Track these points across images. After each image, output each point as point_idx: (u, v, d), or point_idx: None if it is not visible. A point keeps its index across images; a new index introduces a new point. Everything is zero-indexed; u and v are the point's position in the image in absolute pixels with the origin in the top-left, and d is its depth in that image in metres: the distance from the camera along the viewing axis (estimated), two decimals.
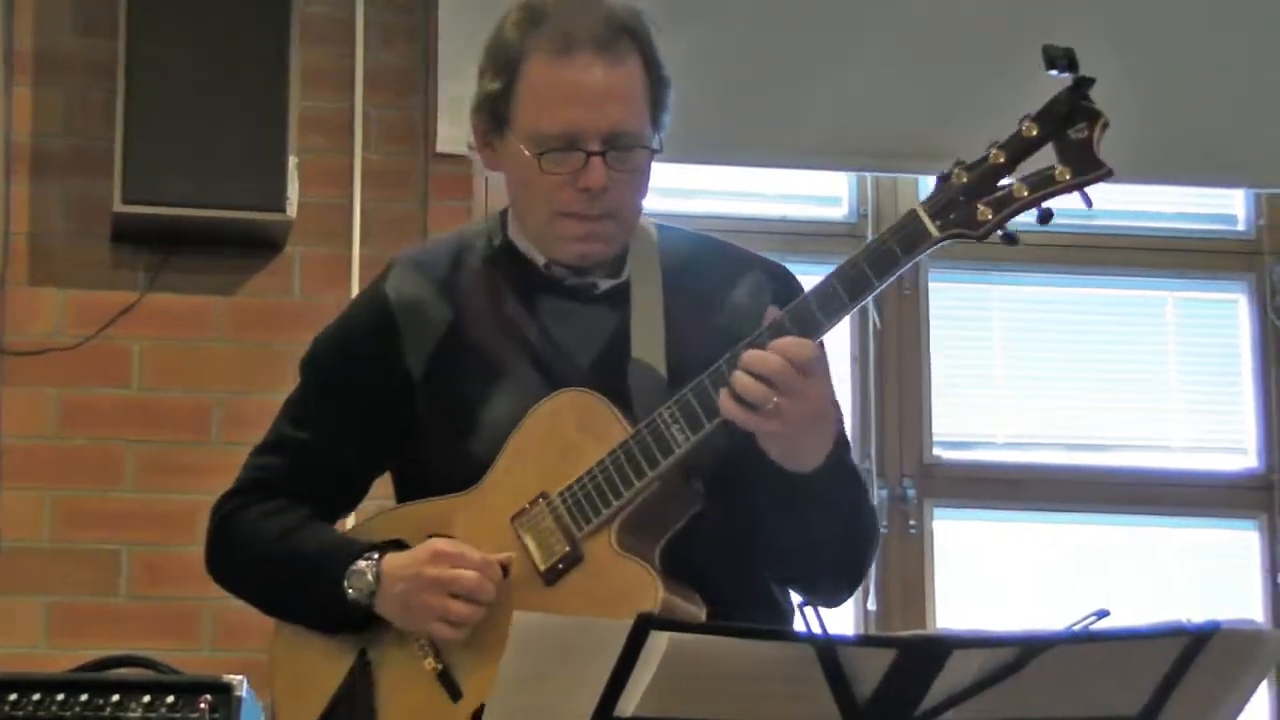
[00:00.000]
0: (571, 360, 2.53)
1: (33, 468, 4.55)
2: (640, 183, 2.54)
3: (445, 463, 2.55)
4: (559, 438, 2.47)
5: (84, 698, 3.66)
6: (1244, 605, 4.96)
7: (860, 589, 4.80)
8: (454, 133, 4.73)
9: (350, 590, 2.50)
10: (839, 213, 5.07)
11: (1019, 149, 2.33)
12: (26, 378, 4.58)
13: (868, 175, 5.03)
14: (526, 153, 2.48)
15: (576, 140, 2.46)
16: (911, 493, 4.93)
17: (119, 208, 4.49)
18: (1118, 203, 5.15)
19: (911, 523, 4.92)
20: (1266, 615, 4.99)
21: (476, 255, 2.63)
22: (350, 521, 2.83)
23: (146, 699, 3.67)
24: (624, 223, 2.55)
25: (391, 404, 2.58)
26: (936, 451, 4.99)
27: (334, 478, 2.66)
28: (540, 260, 2.57)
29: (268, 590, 2.67)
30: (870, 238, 4.96)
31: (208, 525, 2.74)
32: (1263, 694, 4.79)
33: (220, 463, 4.55)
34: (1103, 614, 1.90)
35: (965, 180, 2.32)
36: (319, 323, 4.98)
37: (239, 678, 3.69)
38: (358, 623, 2.53)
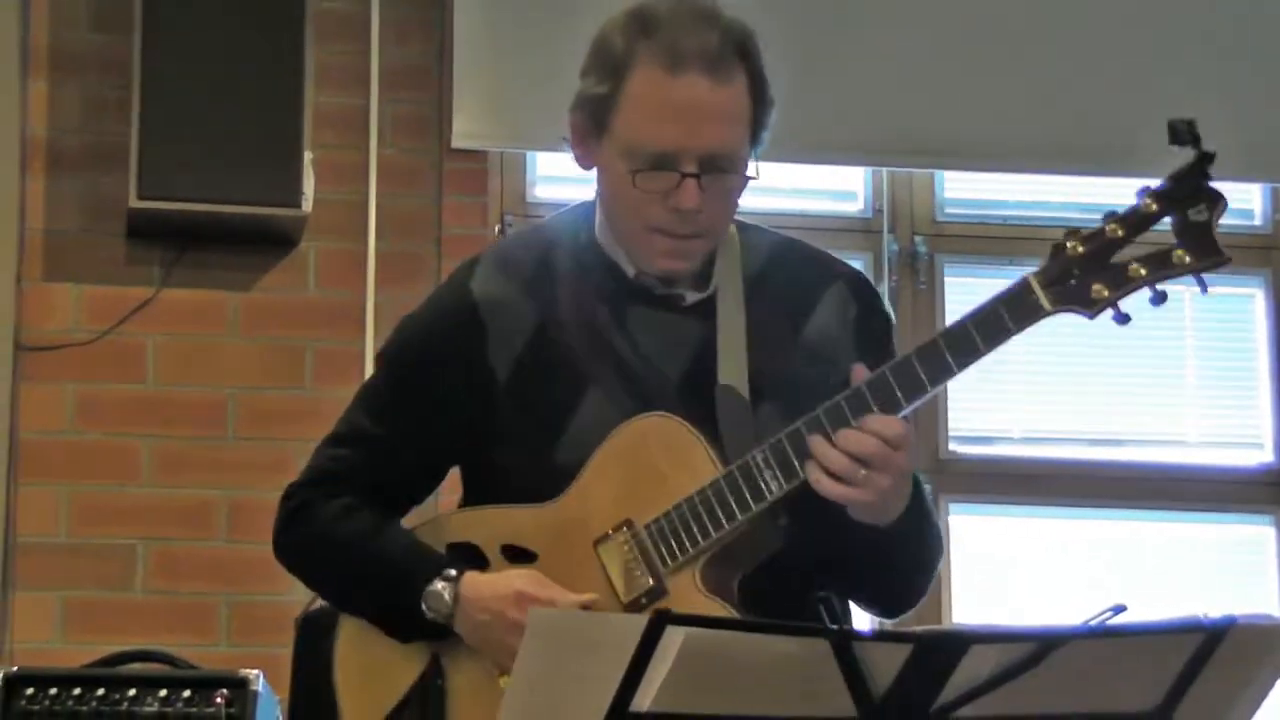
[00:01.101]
0: (660, 374, 2.51)
1: (49, 463, 4.56)
2: (731, 204, 2.52)
3: (527, 468, 2.52)
4: (646, 463, 2.45)
5: (100, 692, 3.67)
6: (1260, 600, 4.96)
7: None
8: (469, 128, 4.74)
9: (427, 610, 2.47)
10: (854, 207, 5.06)
11: (1137, 224, 2.33)
12: (42, 373, 4.58)
13: (883, 170, 5.02)
14: (621, 165, 2.46)
15: (673, 160, 2.43)
16: (928, 488, 4.91)
17: (135, 204, 4.50)
18: (1134, 197, 5.13)
19: None
20: None
21: (564, 254, 2.59)
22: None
23: (162, 694, 3.68)
24: (712, 239, 2.53)
25: (472, 404, 2.54)
26: (953, 447, 4.99)
27: (407, 474, 2.62)
28: (629, 269, 2.54)
29: (340, 593, 2.62)
30: (885, 233, 5.03)
31: (279, 511, 2.68)
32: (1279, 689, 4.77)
33: (236, 458, 4.59)
34: (1119, 609, 1.90)
35: (1081, 252, 2.33)
36: (335, 318, 5.01)
37: (255, 672, 3.69)
38: (431, 635, 2.50)
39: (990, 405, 5.06)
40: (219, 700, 3.66)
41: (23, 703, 3.65)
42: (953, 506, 4.96)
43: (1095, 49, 4.96)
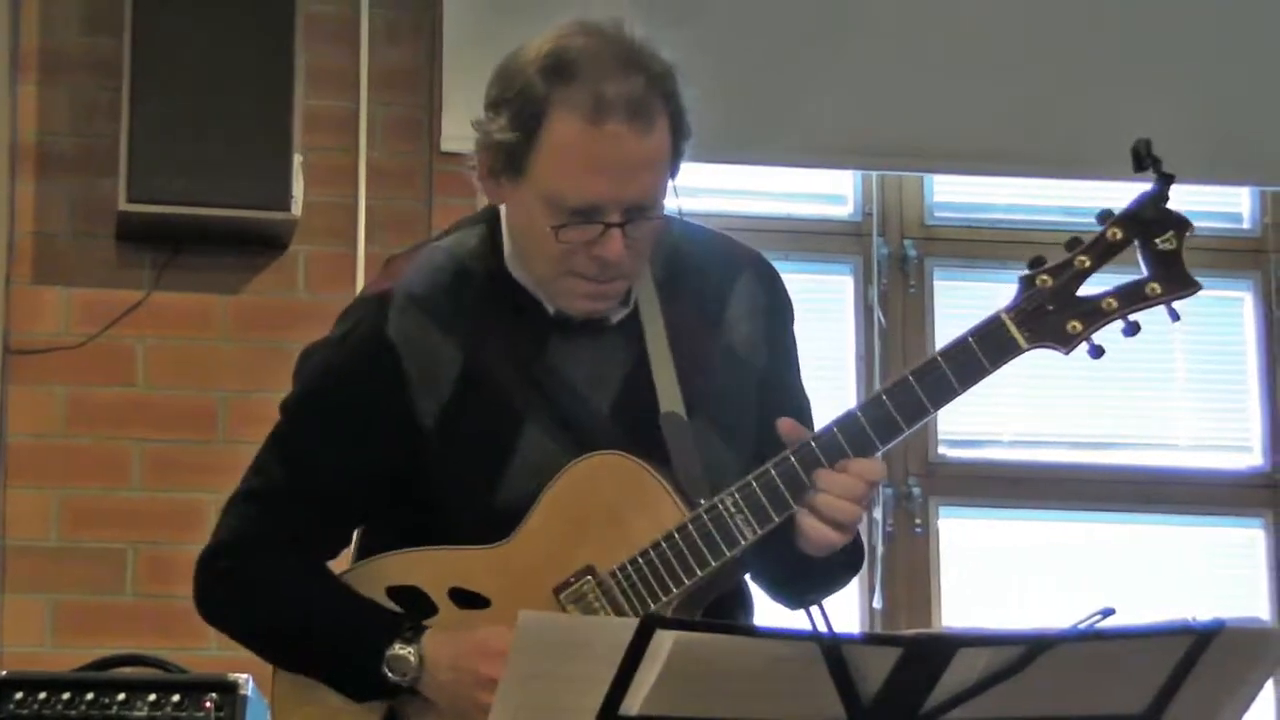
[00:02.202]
0: (590, 406, 2.46)
1: (39, 466, 4.56)
2: (654, 241, 2.46)
3: (465, 511, 2.44)
4: (599, 504, 2.40)
5: (90, 696, 3.67)
6: (1250, 603, 4.96)
7: (866, 587, 4.81)
8: (459, 131, 4.71)
9: (390, 674, 2.38)
10: (844, 211, 5.07)
11: (1103, 253, 2.32)
12: (32, 377, 4.58)
13: (872, 174, 5.03)
14: (541, 213, 2.38)
15: (597, 211, 2.36)
16: (917, 491, 4.93)
17: (124, 206, 4.49)
18: (1123, 201, 5.13)
19: (917, 521, 4.92)
20: (1272, 613, 4.99)
21: (476, 284, 2.49)
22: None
23: (152, 698, 3.68)
24: (633, 278, 2.47)
25: (395, 450, 2.45)
26: (942, 450, 4.99)
27: (329, 523, 2.52)
28: (548, 306, 2.47)
29: (285, 660, 2.52)
30: (875, 236, 5.03)
31: (198, 577, 2.57)
32: (1268, 692, 4.79)
33: (226, 461, 4.57)
34: (1108, 612, 1.90)
35: (1050, 285, 2.32)
36: (324, 321, 4.98)
37: (244, 676, 3.69)
38: (392, 695, 2.43)
39: (980, 409, 5.07)
40: (208, 704, 3.66)
41: (12, 706, 3.65)
42: (942, 509, 4.96)
43: (1085, 54, 4.96)
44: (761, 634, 1.83)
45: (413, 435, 2.44)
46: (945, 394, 2.36)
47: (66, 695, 3.67)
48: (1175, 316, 2.32)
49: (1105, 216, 2.35)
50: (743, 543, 2.36)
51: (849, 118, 4.89)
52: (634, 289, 2.50)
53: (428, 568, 2.46)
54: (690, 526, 2.36)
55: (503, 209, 2.50)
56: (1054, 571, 4.99)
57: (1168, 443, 5.10)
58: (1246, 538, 5.10)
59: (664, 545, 2.37)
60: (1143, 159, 2.30)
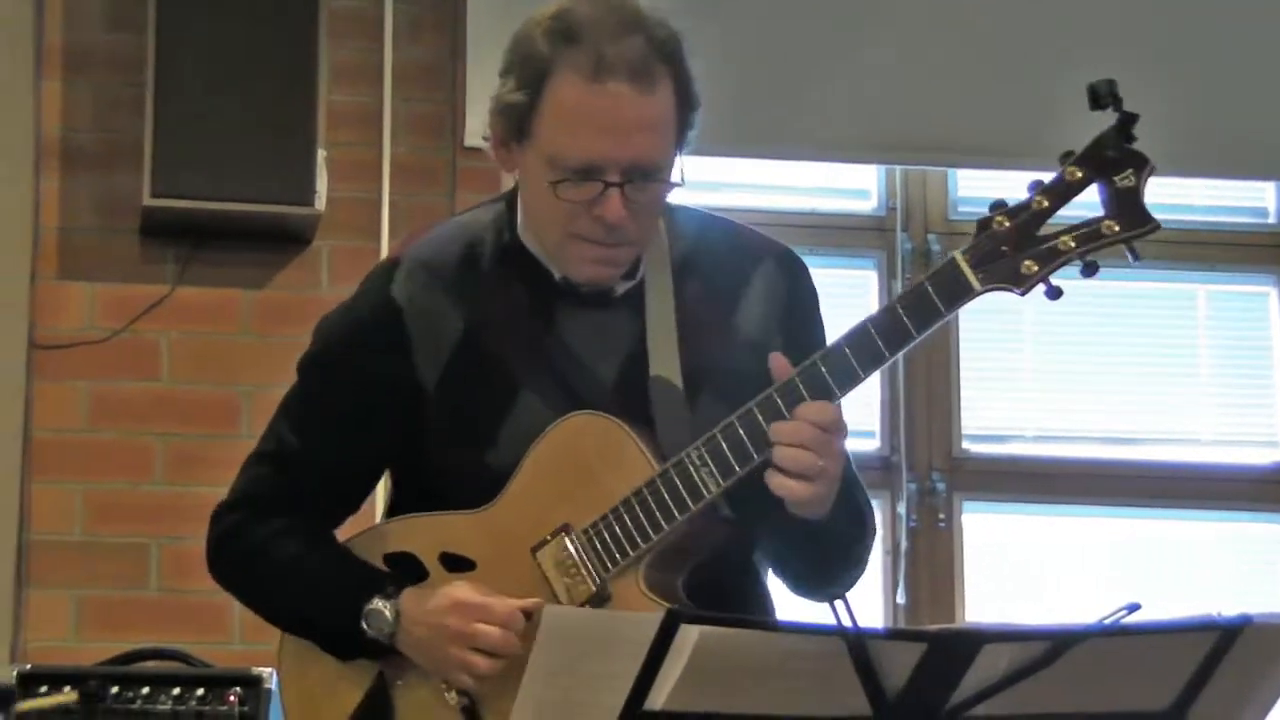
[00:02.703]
0: (593, 373, 2.48)
1: (63, 461, 4.57)
2: (657, 210, 2.47)
3: (460, 474, 2.48)
4: (579, 463, 2.42)
5: (114, 690, 3.67)
6: (1275, 598, 4.95)
7: (890, 582, 4.81)
8: (483, 126, 4.72)
9: (368, 629, 2.44)
10: (867, 206, 5.06)
11: (1062, 194, 2.25)
12: (57, 372, 4.59)
13: (896, 168, 5.02)
14: (544, 174, 2.41)
15: (597, 170, 2.38)
16: (941, 486, 4.92)
17: (148, 202, 4.50)
18: (1148, 195, 5.12)
19: (941, 516, 4.91)
20: None
21: (487, 253, 2.54)
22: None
23: (176, 692, 3.68)
24: (639, 247, 2.48)
25: (401, 412, 2.50)
26: (966, 445, 4.99)
27: (336, 485, 2.58)
28: (554, 272, 2.50)
29: (279, 616, 2.61)
30: (899, 231, 5.02)
31: (208, 533, 2.63)
32: None
33: None
34: (1133, 607, 1.89)
35: (1007, 227, 2.25)
36: None
37: (268, 670, 3.69)
38: (374, 653, 2.48)
39: (1003, 404, 5.06)
40: (232, 699, 3.67)
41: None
42: (966, 505, 4.96)
43: (1109, 48, 4.95)
44: (786, 629, 1.84)
45: (416, 396, 2.49)
46: (902, 339, 2.31)
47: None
48: (1135, 255, 2.24)
49: (1065, 156, 2.29)
50: (707, 495, 2.35)
51: (873, 112, 4.88)
52: (642, 263, 2.51)
53: (421, 533, 2.51)
54: (658, 481, 2.37)
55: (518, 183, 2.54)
56: (1078, 567, 4.98)
57: (1192, 438, 5.09)
58: (1271, 533, 5.09)
59: (633, 501, 2.38)
60: (1101, 97, 2.25)
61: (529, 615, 2.38)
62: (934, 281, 2.29)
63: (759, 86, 4.82)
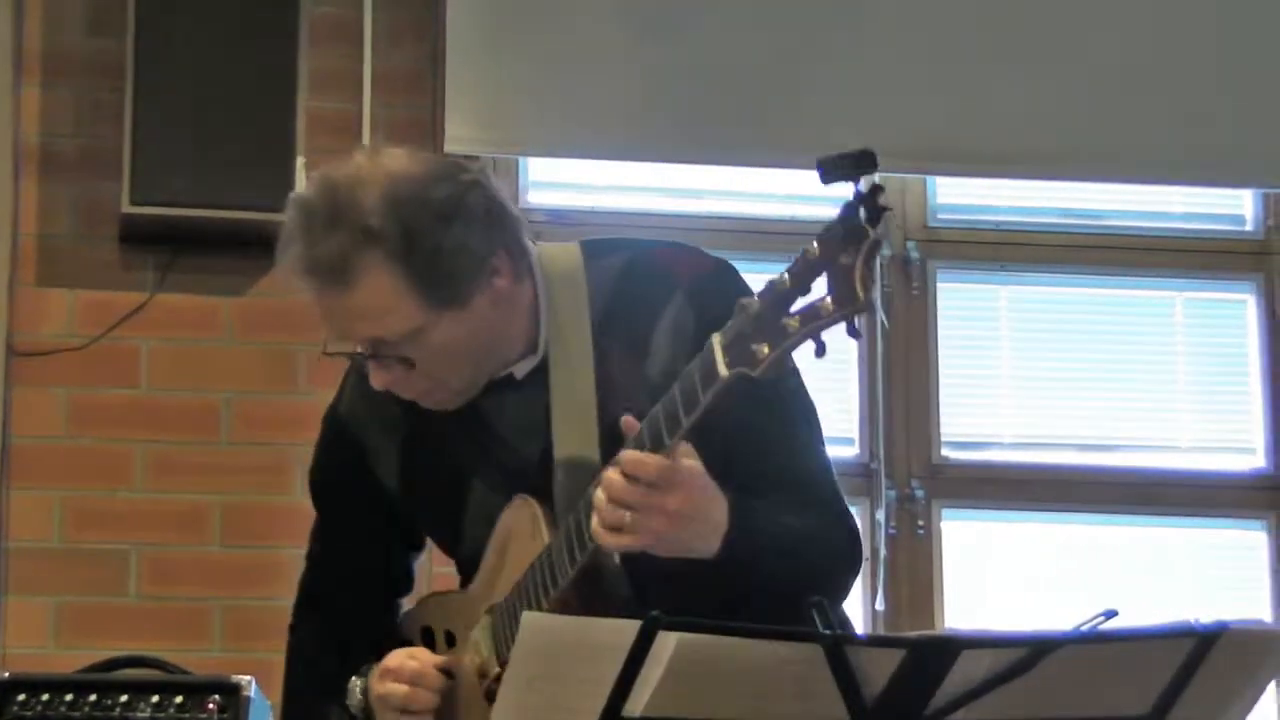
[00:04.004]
0: (520, 454, 2.53)
1: (41, 468, 4.56)
2: (439, 360, 2.46)
3: (453, 556, 2.68)
4: (514, 548, 2.51)
5: (92, 698, 3.66)
6: (1253, 605, 4.96)
7: (869, 589, 4.81)
8: (462, 133, 4.74)
9: (350, 706, 2.64)
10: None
11: (803, 273, 2.14)
12: (35, 378, 4.58)
13: (875, 175, 5.02)
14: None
15: (347, 348, 2.51)
16: (920, 493, 4.93)
17: (127, 208, 4.50)
18: (1126, 204, 5.15)
19: (920, 523, 4.92)
20: (1275, 615, 4.99)
21: None
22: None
23: (155, 699, 3.67)
24: (446, 387, 2.51)
25: (385, 512, 2.69)
26: (945, 452, 4.99)
27: (366, 581, 2.77)
28: None
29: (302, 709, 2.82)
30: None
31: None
32: (1271, 694, 4.79)
33: (229, 463, 4.59)
34: (1111, 614, 1.90)
35: (756, 309, 2.15)
36: None
37: (247, 678, 3.68)
38: None
39: (982, 411, 5.07)
40: (212, 706, 3.65)
41: (15, 708, 3.64)
42: (945, 512, 4.96)
43: (1087, 55, 4.96)
44: (765, 634, 1.84)
45: (388, 499, 2.67)
46: (677, 420, 2.22)
47: (69, 697, 3.66)
48: (854, 334, 2.11)
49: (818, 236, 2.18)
50: (568, 574, 2.36)
51: (853, 119, 4.88)
52: (541, 338, 2.51)
53: (436, 611, 2.70)
54: (540, 557, 2.42)
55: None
56: (1057, 573, 4.99)
57: (1170, 445, 5.10)
58: (1249, 540, 5.10)
59: (525, 575, 2.45)
60: (830, 172, 2.16)
61: (449, 673, 2.55)
62: (698, 365, 2.21)
63: (738, 95, 4.82)
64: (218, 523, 4.57)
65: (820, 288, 2.09)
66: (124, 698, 3.67)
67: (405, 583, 2.81)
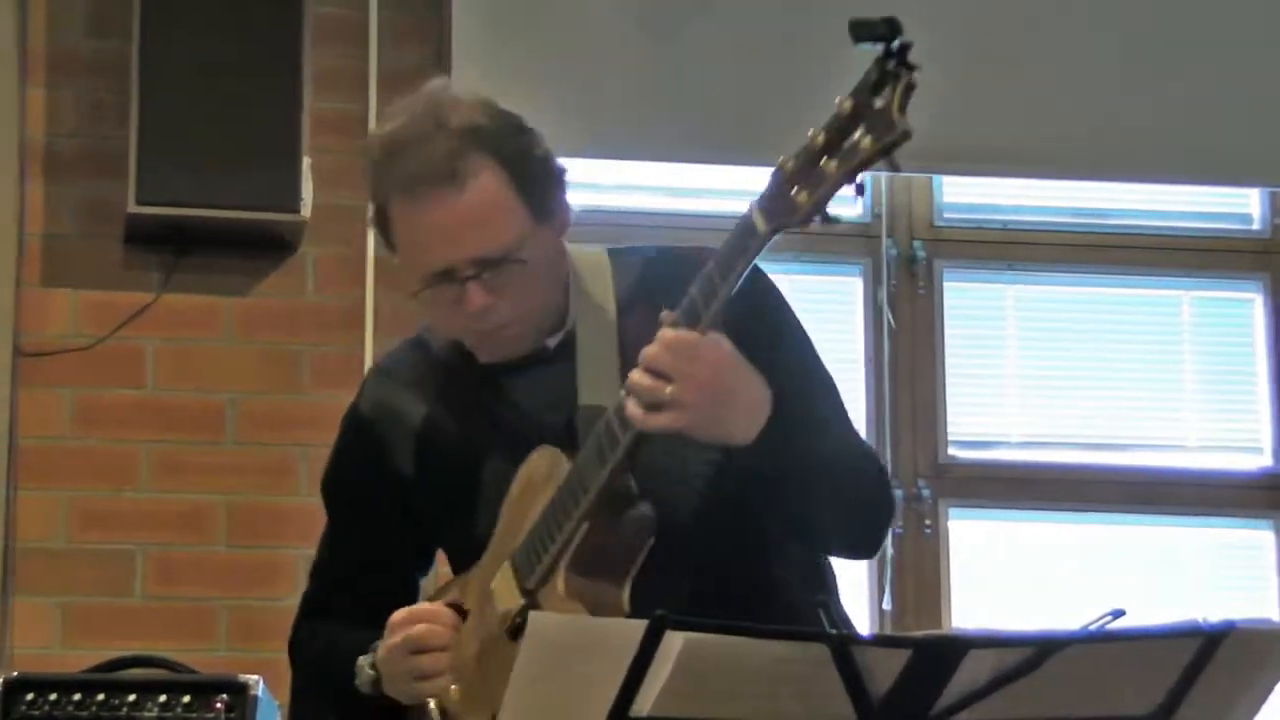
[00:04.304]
0: (544, 423, 2.53)
1: (47, 468, 4.56)
2: (530, 282, 2.50)
3: (458, 548, 2.65)
4: (529, 499, 2.50)
5: (100, 697, 3.67)
6: (1260, 604, 4.96)
7: (875, 588, 4.81)
8: None
9: (360, 685, 2.58)
10: (853, 212, 5.05)
11: (837, 127, 2.24)
12: (41, 378, 4.58)
13: (881, 175, 5.02)
14: (413, 287, 2.52)
15: (446, 274, 2.47)
16: (926, 492, 4.92)
17: (132, 209, 4.50)
18: (1132, 202, 5.14)
19: (926, 522, 4.91)
20: None
21: (434, 351, 2.67)
22: None
23: (162, 699, 3.68)
24: (525, 321, 2.53)
25: (397, 509, 2.66)
26: (951, 451, 4.99)
27: (372, 590, 2.71)
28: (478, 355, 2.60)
29: (324, 714, 2.77)
30: (884, 237, 5.03)
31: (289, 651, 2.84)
32: (1279, 693, 4.77)
33: (234, 463, 4.59)
34: (1118, 613, 1.90)
35: (790, 168, 2.26)
36: (332, 323, 5.02)
37: (254, 677, 3.69)
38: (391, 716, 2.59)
39: (989, 410, 5.06)
40: (219, 705, 3.66)
41: (22, 708, 3.65)
42: (952, 511, 4.96)
43: (1093, 54, 4.96)
44: (771, 634, 1.83)
45: (402, 489, 2.65)
46: (714, 293, 2.28)
47: (77, 696, 3.67)
48: (894, 169, 2.19)
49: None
50: (597, 483, 2.35)
51: None
52: (570, 313, 2.56)
53: (450, 591, 2.64)
54: (563, 484, 2.41)
55: None
56: (1063, 572, 4.98)
57: (1177, 444, 5.09)
58: (1256, 539, 5.09)
59: (546, 509, 2.43)
60: (861, 34, 2.21)
61: (458, 608, 2.52)
62: (734, 231, 2.29)
63: (745, 94, 4.82)
64: (223, 523, 4.57)
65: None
66: (131, 697, 3.67)
67: (411, 598, 2.77)
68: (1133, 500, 5.01)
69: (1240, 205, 5.21)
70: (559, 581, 2.40)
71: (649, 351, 2.30)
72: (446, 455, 2.60)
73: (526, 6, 4.81)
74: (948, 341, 5.02)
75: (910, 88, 2.17)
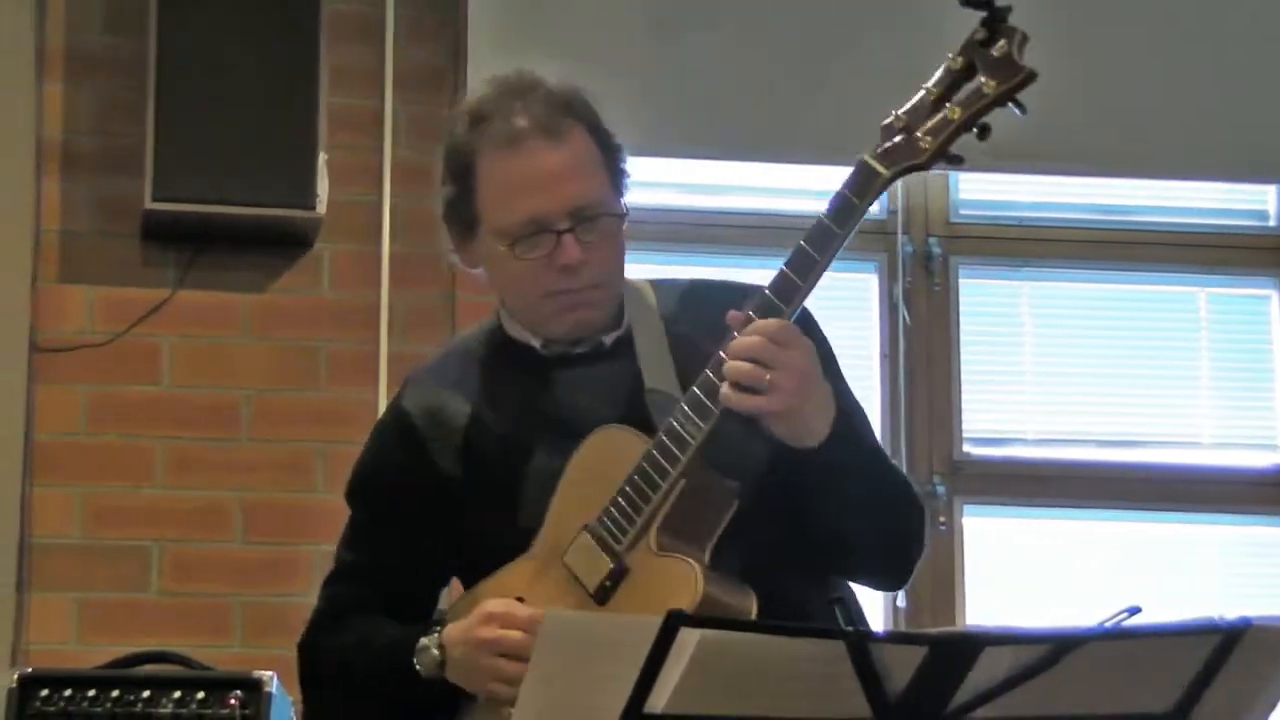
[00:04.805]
0: (597, 417, 2.54)
1: (63, 465, 4.56)
2: (616, 246, 2.58)
3: (499, 541, 2.59)
4: (594, 476, 2.50)
5: (115, 694, 3.68)
6: (1276, 601, 4.95)
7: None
8: None
9: (420, 667, 2.53)
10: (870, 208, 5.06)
11: (948, 82, 2.41)
12: (57, 375, 4.59)
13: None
14: (500, 247, 2.54)
15: (543, 224, 2.51)
16: (941, 489, 4.92)
17: (149, 205, 4.50)
18: (1148, 199, 5.13)
19: (941, 519, 4.91)
20: None
21: (481, 351, 2.69)
22: None
23: (177, 695, 3.68)
24: (610, 287, 2.59)
25: (437, 511, 2.62)
26: (966, 448, 4.98)
27: (401, 594, 2.69)
28: (536, 343, 2.61)
29: (361, 704, 2.69)
30: (900, 234, 5.02)
31: (298, 665, 2.74)
32: None
33: (249, 459, 4.60)
34: (1134, 611, 1.90)
35: (903, 121, 2.42)
36: (348, 320, 5.02)
37: (269, 674, 3.69)
38: (443, 701, 2.55)
39: (1004, 407, 5.06)
40: (233, 701, 3.67)
41: (38, 704, 3.66)
42: (967, 508, 4.95)
43: (1109, 51, 4.95)
44: (787, 632, 1.83)
45: (444, 488, 2.61)
46: (829, 240, 2.42)
47: (92, 692, 3.68)
48: (1021, 109, 2.39)
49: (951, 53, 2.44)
50: (692, 442, 2.40)
51: (871, 115, 4.86)
52: (626, 312, 2.61)
53: (485, 591, 2.60)
54: (651, 449, 2.44)
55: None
56: (1079, 570, 4.98)
57: (1192, 441, 5.09)
58: (1272, 535, 5.09)
59: (632, 475, 2.45)
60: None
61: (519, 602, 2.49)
62: (848, 183, 2.43)
63: (757, 91, 4.82)
64: (239, 519, 4.58)
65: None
66: (146, 693, 3.68)
67: (430, 609, 2.75)
68: (1148, 497, 5.00)
69: (1257, 202, 5.20)
70: (650, 540, 2.43)
71: (745, 342, 2.37)
72: (492, 449, 2.59)
73: (542, 5, 4.81)
74: (963, 338, 5.01)
75: (1026, 38, 2.38)
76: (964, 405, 4.99)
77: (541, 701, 1.90)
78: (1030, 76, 2.35)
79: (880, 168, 2.40)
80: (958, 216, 5.07)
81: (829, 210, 2.43)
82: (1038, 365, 5.10)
